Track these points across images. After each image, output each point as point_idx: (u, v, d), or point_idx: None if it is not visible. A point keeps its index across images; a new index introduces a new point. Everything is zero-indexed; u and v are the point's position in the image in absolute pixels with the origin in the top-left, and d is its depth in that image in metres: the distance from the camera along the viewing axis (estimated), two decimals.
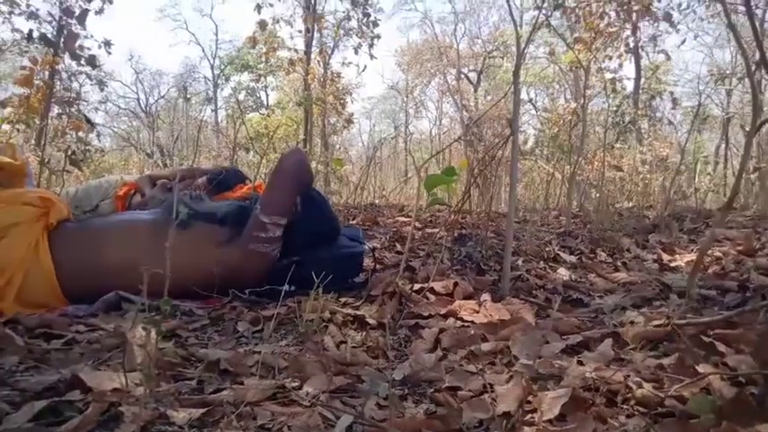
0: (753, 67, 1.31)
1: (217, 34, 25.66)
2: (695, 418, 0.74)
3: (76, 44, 3.96)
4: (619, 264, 2.21)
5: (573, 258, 2.27)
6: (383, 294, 1.44)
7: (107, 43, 4.64)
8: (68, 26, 3.95)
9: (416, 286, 1.53)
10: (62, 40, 4.03)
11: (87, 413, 0.72)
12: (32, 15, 4.54)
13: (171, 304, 1.39)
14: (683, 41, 7.79)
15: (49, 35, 3.97)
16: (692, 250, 2.47)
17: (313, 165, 4.75)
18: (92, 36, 4.47)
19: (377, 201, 5.28)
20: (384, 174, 7.93)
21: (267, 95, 19.54)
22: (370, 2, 6.40)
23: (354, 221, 3.46)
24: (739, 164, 1.26)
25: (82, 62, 4.24)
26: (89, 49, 4.38)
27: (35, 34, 3.65)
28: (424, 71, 17.50)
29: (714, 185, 6.64)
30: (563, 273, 1.97)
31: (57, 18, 4.12)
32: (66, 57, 4.21)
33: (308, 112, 6.47)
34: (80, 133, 4.28)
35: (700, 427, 0.71)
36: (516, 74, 1.41)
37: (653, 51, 6.51)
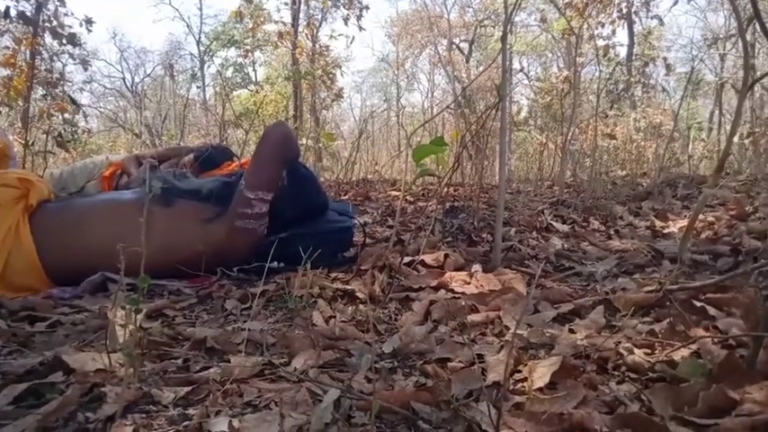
0: (744, 26, 1.28)
1: (201, 9, 25.23)
2: (686, 381, 0.74)
3: (55, 22, 3.86)
4: (612, 232, 2.20)
5: (566, 227, 2.26)
6: (373, 268, 1.42)
7: (88, 21, 4.52)
8: (46, 3, 3.84)
9: (407, 259, 1.52)
10: (41, 18, 3.93)
11: (68, 394, 0.71)
12: None
13: (155, 283, 1.38)
14: (675, 3, 7.66)
15: (28, 13, 3.85)
16: (685, 216, 2.46)
17: (303, 140, 4.70)
18: (72, 13, 4.35)
19: (369, 176, 5.24)
20: (377, 148, 7.85)
21: (255, 71, 19.22)
22: None
23: (346, 197, 3.44)
24: (731, 126, 1.24)
25: (63, 41, 4.14)
26: (70, 27, 4.27)
27: (12, 12, 3.53)
28: (415, 42, 17.20)
29: (708, 151, 6.62)
30: (556, 242, 1.96)
31: None
32: (47, 36, 4.11)
33: (296, 87, 6.36)
34: (66, 114, 4.20)
35: (690, 391, 0.70)
36: (504, 38, 1.37)
37: (646, 17, 6.42)
